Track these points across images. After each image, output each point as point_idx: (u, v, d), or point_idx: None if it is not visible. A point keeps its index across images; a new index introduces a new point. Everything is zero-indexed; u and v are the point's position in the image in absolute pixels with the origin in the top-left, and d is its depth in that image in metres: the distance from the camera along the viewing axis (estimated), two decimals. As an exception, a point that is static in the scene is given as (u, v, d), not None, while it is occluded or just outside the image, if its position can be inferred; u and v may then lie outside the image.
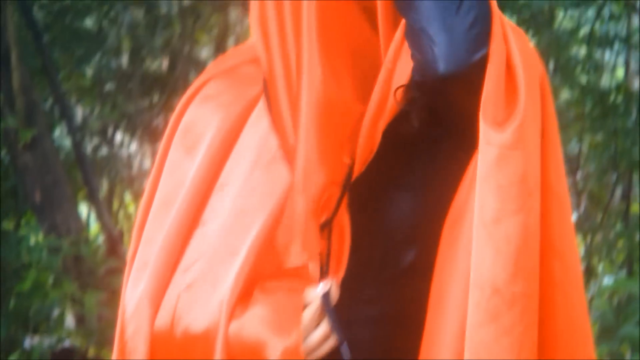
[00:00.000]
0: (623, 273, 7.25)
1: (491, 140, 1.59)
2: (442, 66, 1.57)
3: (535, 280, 1.61)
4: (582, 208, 8.29)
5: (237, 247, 1.69)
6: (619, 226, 7.41)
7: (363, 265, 1.72)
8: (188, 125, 1.84)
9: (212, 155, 1.78)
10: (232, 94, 1.81)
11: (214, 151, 1.78)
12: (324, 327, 1.68)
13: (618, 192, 8.25)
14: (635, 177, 7.66)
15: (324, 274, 1.69)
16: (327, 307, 1.66)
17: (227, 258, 1.69)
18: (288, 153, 1.71)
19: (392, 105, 1.65)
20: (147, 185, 1.88)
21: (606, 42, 7.64)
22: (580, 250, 7.56)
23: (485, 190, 1.59)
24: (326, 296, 1.66)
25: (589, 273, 7.36)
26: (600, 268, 7.53)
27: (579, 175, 8.18)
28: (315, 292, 1.68)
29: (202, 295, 1.70)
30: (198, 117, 1.83)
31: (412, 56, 1.62)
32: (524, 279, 1.58)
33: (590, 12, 7.98)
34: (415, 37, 1.61)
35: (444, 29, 1.58)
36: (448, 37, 1.58)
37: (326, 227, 1.69)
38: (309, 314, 1.66)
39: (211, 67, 1.88)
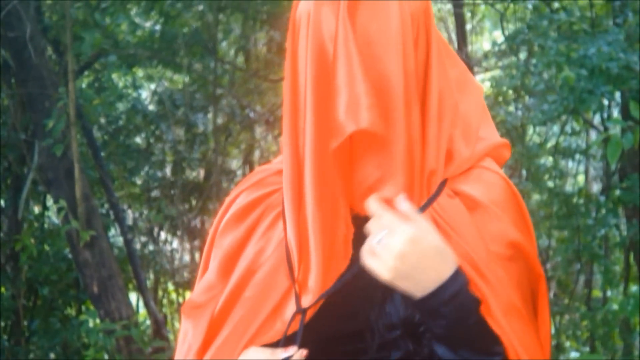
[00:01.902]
0: (587, 349, 7.21)
1: None
2: None
3: None
4: (551, 293, 8.26)
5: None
6: (582, 309, 7.38)
7: (360, 353, 1.63)
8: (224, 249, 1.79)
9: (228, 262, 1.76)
10: (256, 203, 1.78)
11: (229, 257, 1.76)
12: None
13: (581, 279, 8.24)
14: (595, 267, 7.65)
15: (290, 342, 1.60)
16: None
17: None
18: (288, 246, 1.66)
19: None
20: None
21: (569, 153, 7.68)
22: (551, 329, 7.53)
23: None
24: None
25: (558, 349, 7.31)
26: (567, 345, 7.48)
27: (548, 265, 8.17)
28: (280, 354, 1.58)
29: None
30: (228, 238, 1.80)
31: None
32: None
33: (555, 128, 8.03)
34: None
35: None
36: None
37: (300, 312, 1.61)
38: None
39: (245, 181, 1.84)
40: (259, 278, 1.68)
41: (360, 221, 1.62)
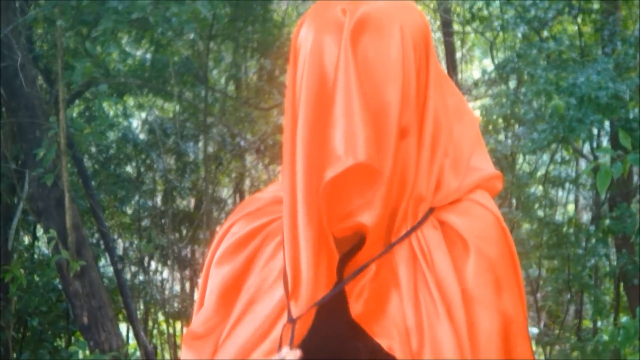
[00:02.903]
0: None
1: None
2: None
3: None
4: (542, 324, 8.25)
5: None
6: (573, 339, 7.36)
7: None
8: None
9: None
10: (255, 233, 1.75)
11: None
12: None
13: (572, 309, 8.24)
14: (585, 297, 7.65)
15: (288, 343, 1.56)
16: None
17: None
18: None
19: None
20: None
21: (559, 182, 7.69)
22: (542, 360, 7.53)
23: None
24: None
25: (550, 380, 7.31)
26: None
27: (538, 295, 8.17)
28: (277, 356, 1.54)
29: None
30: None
31: None
32: None
33: (545, 157, 8.05)
34: None
35: None
36: None
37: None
38: None
39: (238, 210, 1.80)
40: (258, 305, 1.67)
41: (336, 243, 1.60)
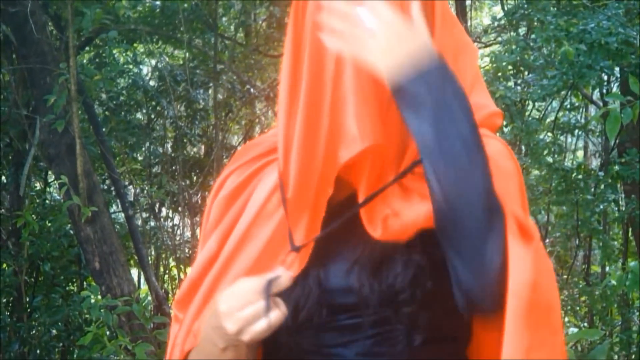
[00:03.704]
0: (585, 324, 7.23)
1: None
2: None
3: None
4: (550, 268, 8.26)
5: None
6: (581, 284, 7.38)
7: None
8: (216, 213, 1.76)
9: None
10: (249, 180, 1.74)
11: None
12: (257, 306, 1.48)
13: (580, 255, 8.24)
14: (594, 242, 7.65)
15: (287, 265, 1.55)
16: (266, 291, 1.48)
17: None
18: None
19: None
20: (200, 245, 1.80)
21: (568, 128, 7.65)
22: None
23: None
24: (271, 281, 1.49)
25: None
26: (566, 320, 7.48)
27: (547, 241, 8.16)
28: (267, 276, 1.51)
29: None
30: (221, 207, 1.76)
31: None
32: None
33: (555, 104, 8.00)
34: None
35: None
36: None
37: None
38: (251, 287, 1.50)
39: (235, 159, 1.79)
40: (256, 235, 1.64)
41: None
